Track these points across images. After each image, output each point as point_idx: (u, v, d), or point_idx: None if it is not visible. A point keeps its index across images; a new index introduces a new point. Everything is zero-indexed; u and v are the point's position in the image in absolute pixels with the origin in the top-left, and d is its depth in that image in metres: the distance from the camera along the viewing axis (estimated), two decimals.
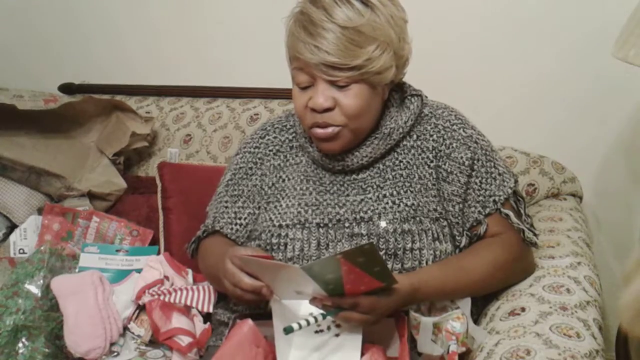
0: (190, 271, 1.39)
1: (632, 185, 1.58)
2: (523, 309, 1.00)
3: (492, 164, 1.14)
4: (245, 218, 1.20)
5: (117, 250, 1.45)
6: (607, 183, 1.60)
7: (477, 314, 1.12)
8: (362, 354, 0.94)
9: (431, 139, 1.14)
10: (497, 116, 1.57)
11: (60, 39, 2.09)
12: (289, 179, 1.18)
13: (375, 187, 1.12)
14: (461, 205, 1.11)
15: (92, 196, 1.72)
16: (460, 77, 1.62)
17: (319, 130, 1.08)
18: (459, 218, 1.11)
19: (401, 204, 1.09)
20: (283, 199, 1.16)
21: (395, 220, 1.08)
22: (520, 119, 1.62)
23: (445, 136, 1.13)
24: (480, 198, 1.11)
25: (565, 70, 1.55)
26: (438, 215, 1.10)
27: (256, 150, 1.24)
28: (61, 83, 2.05)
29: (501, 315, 1.02)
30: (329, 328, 0.98)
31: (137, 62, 2.01)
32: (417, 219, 1.08)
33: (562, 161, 1.52)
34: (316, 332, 0.98)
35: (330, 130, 1.07)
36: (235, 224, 1.20)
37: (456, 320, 0.99)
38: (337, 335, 0.97)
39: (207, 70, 1.91)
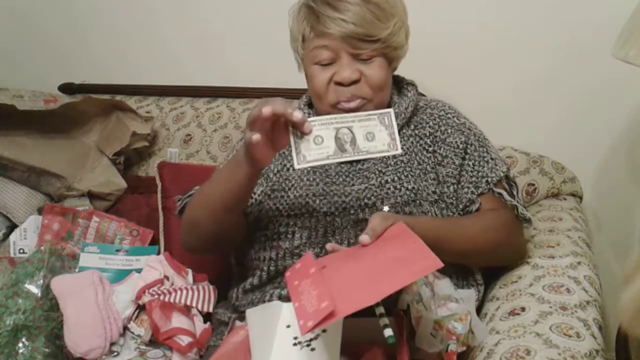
0: (190, 271, 1.38)
1: (632, 185, 1.58)
2: (523, 309, 1.00)
3: (485, 149, 1.19)
4: (258, 195, 1.20)
5: (117, 250, 1.45)
6: (607, 183, 1.60)
7: (477, 314, 1.12)
8: (362, 354, 0.94)
9: (427, 125, 1.20)
10: (497, 116, 1.56)
11: (60, 39, 2.09)
12: (293, 169, 1.19)
13: (377, 173, 1.15)
14: (455, 187, 1.15)
15: (92, 196, 1.72)
16: (460, 77, 1.62)
17: (345, 105, 1.11)
18: (454, 199, 1.15)
19: (402, 188, 1.13)
20: (290, 189, 1.17)
21: (397, 204, 1.11)
22: (520, 119, 1.61)
23: (440, 123, 1.20)
24: (473, 179, 1.16)
25: (565, 70, 1.55)
26: (437, 198, 1.14)
27: None
28: (61, 83, 2.05)
29: (501, 315, 1.02)
30: (308, 344, 0.96)
31: (137, 62, 2.01)
32: (417, 202, 1.12)
33: (562, 161, 1.52)
34: (294, 344, 0.96)
35: (357, 102, 1.11)
36: (250, 197, 1.17)
37: (458, 321, 0.99)
38: (312, 349, 0.93)
39: (207, 70, 1.91)
